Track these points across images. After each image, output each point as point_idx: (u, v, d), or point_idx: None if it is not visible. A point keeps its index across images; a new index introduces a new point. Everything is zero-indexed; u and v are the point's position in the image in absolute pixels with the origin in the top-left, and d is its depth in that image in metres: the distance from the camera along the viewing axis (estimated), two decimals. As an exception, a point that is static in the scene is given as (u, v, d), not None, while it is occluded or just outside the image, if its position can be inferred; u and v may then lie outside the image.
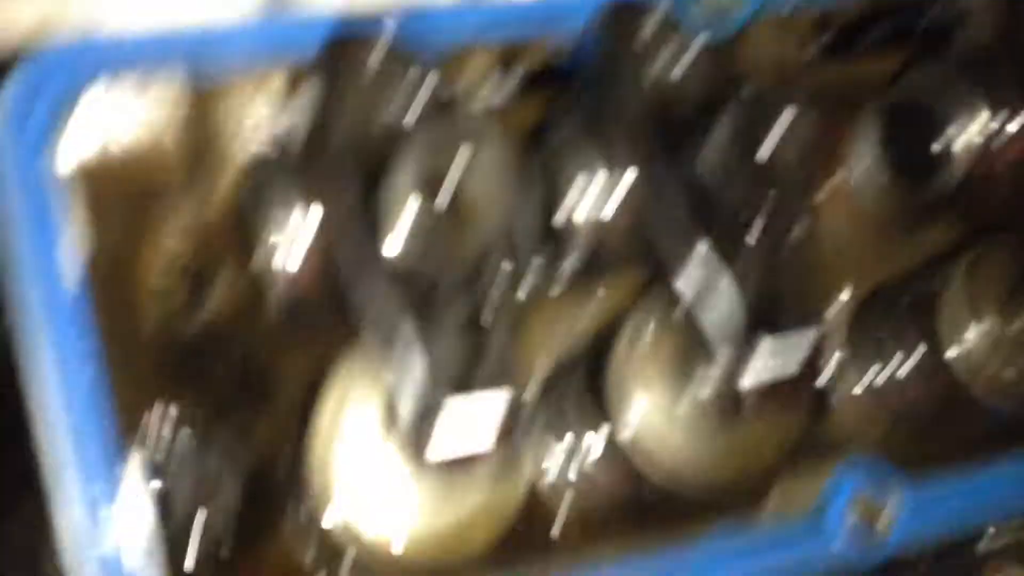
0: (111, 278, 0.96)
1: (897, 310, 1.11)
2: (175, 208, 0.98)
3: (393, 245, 0.86)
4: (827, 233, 1.13)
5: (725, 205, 0.94)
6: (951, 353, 1.06)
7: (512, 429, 0.88)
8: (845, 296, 1.14)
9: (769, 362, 0.92)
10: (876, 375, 1.11)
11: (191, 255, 0.99)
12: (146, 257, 0.98)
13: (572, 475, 1.03)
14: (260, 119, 0.99)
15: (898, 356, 1.10)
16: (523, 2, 1.05)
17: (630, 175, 0.94)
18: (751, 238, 0.93)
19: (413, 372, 0.86)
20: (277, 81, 0.98)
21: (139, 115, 0.96)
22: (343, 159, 0.90)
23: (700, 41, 1.02)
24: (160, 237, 0.98)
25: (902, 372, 1.10)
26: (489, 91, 1.04)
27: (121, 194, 0.96)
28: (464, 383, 0.86)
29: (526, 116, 1.06)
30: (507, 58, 1.05)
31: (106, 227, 0.95)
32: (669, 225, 0.94)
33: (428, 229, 0.85)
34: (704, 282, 0.93)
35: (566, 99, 1.05)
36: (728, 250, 0.93)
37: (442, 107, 0.91)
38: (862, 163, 1.14)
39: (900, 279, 1.13)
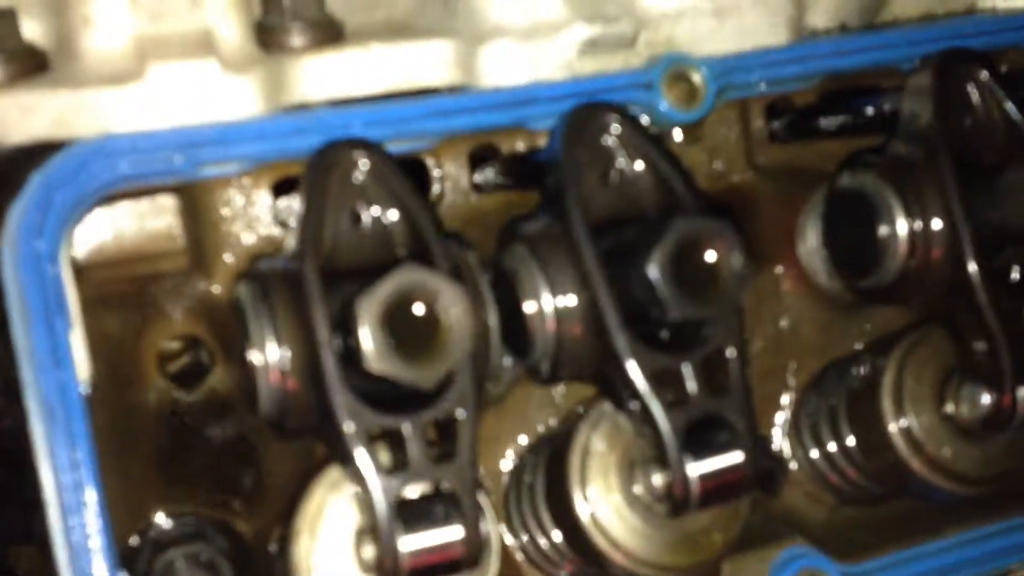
0: (118, 360, 1.02)
1: (842, 391, 1.18)
2: (180, 289, 1.04)
3: (365, 364, 0.92)
4: (781, 305, 1.21)
5: (666, 323, 1.00)
6: (892, 432, 1.13)
7: (473, 547, 0.95)
8: (794, 373, 1.21)
9: (697, 476, 1.00)
10: (821, 455, 1.20)
11: (195, 328, 1.05)
12: (151, 334, 1.05)
13: (543, 546, 1.11)
14: (257, 210, 1.04)
15: (842, 437, 1.18)
16: (503, 89, 1.10)
17: (572, 301, 1.01)
18: (688, 363, 1.00)
19: (370, 513, 0.94)
20: (274, 174, 1.04)
21: (144, 215, 1.03)
22: (321, 277, 0.95)
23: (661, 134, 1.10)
24: (165, 315, 1.04)
25: (847, 453, 1.18)
26: (467, 179, 1.10)
27: (130, 283, 1.03)
28: (422, 520, 0.94)
29: (506, 203, 1.12)
30: (491, 141, 1.11)
31: (115, 313, 1.02)
32: (608, 347, 1.00)
33: (391, 360, 0.91)
34: (639, 405, 1.00)
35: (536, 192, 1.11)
36: (664, 373, 1.00)
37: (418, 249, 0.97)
38: (811, 243, 1.20)
39: (847, 358, 1.20)
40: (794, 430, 1.20)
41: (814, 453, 1.19)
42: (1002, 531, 1.18)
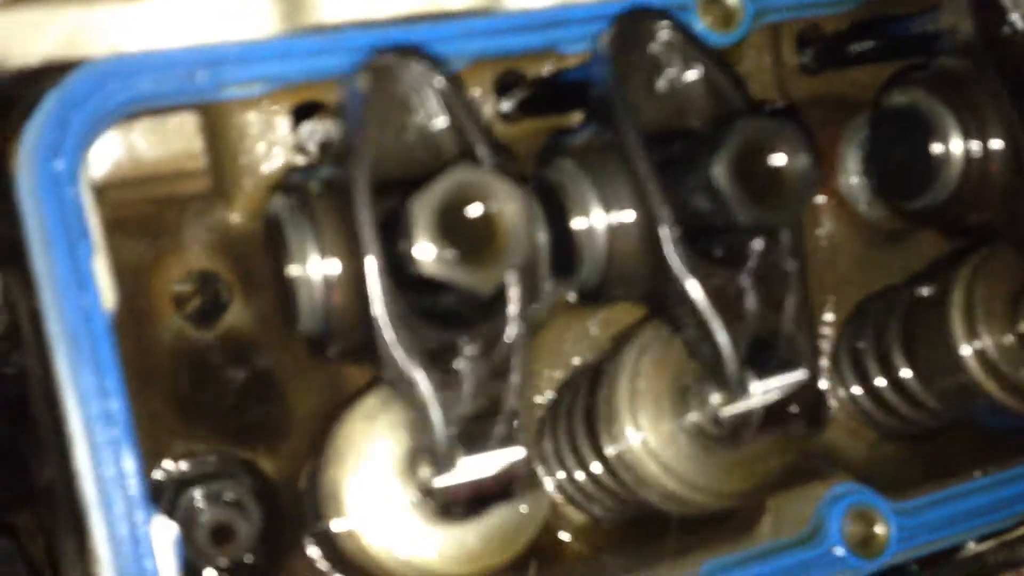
0: (134, 291, 0.98)
1: (895, 320, 1.14)
2: (198, 215, 1.00)
3: (420, 268, 0.87)
4: (820, 238, 1.17)
5: (725, 236, 0.96)
6: (965, 354, 1.09)
7: (530, 473, 0.91)
8: (833, 308, 1.18)
9: (759, 396, 0.96)
10: (866, 391, 1.16)
11: (212, 261, 1.01)
12: (168, 265, 1.00)
13: (582, 481, 1.07)
14: (277, 136, 0.99)
15: (894, 369, 1.14)
16: (534, 10, 1.06)
17: (624, 215, 0.97)
18: (747, 278, 0.96)
19: (429, 433, 0.89)
20: (296, 98, 0.99)
21: (163, 135, 0.97)
22: (371, 185, 0.90)
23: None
24: (182, 244, 1.00)
25: (897, 385, 1.14)
26: (493, 107, 1.06)
27: (147, 207, 0.98)
28: (480, 440, 0.89)
29: (534, 131, 1.07)
30: (518, 67, 1.06)
31: (132, 240, 0.98)
32: (664, 263, 0.96)
33: (449, 263, 0.86)
34: (697, 322, 0.95)
35: (578, 110, 1.07)
36: (723, 289, 0.96)
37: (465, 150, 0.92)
38: (852, 171, 1.17)
39: (888, 291, 1.17)
40: (835, 366, 1.16)
41: (856, 389, 1.16)
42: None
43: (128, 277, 0.96)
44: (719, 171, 0.91)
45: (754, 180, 0.92)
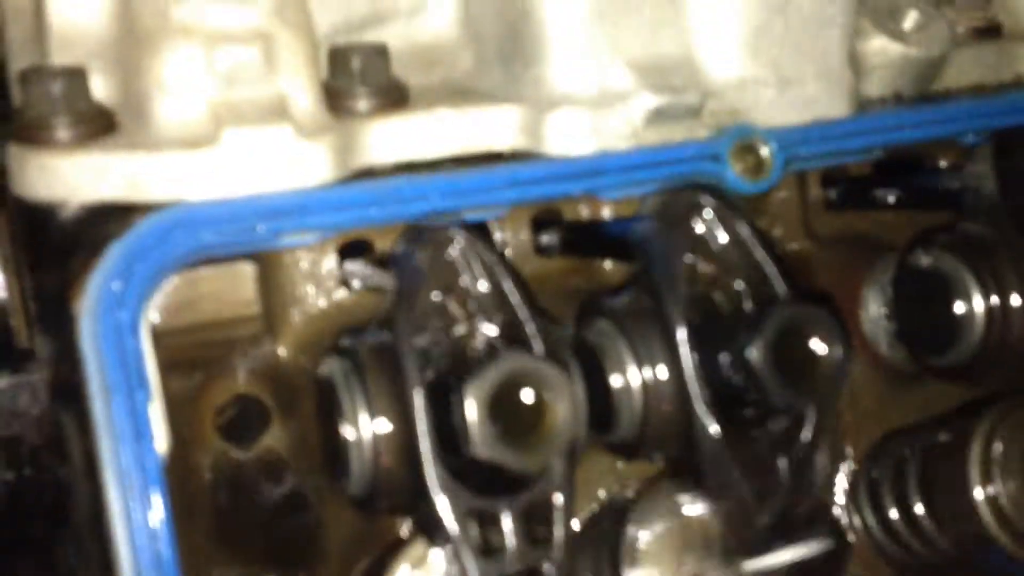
0: (179, 420, 0.99)
1: (914, 458, 1.18)
2: (247, 350, 1.04)
3: (472, 451, 0.91)
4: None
5: (757, 406, 1.00)
6: (980, 505, 1.11)
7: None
8: (852, 444, 1.21)
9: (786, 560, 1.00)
10: (881, 525, 1.19)
11: (255, 387, 1.05)
12: (212, 393, 1.04)
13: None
14: (324, 273, 1.05)
15: (909, 506, 1.17)
16: (573, 158, 1.10)
17: (661, 378, 1.01)
18: (777, 441, 1.00)
19: None
20: (343, 239, 1.04)
21: (218, 281, 1.01)
22: (417, 353, 0.95)
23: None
24: (228, 374, 1.04)
25: (913, 522, 1.17)
26: (529, 242, 1.11)
27: (199, 348, 1.02)
28: None
29: (568, 267, 1.12)
30: (552, 210, 1.11)
31: (181, 376, 1.01)
32: (695, 425, 0.99)
33: (502, 441, 0.91)
34: (725, 485, 0.99)
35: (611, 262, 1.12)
36: (752, 453, 1.00)
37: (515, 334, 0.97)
38: (874, 312, 1.21)
39: (908, 429, 1.21)
40: (852, 500, 1.20)
41: (873, 522, 1.19)
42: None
43: (174, 408, 0.99)
44: (756, 355, 0.95)
45: (789, 362, 0.96)
